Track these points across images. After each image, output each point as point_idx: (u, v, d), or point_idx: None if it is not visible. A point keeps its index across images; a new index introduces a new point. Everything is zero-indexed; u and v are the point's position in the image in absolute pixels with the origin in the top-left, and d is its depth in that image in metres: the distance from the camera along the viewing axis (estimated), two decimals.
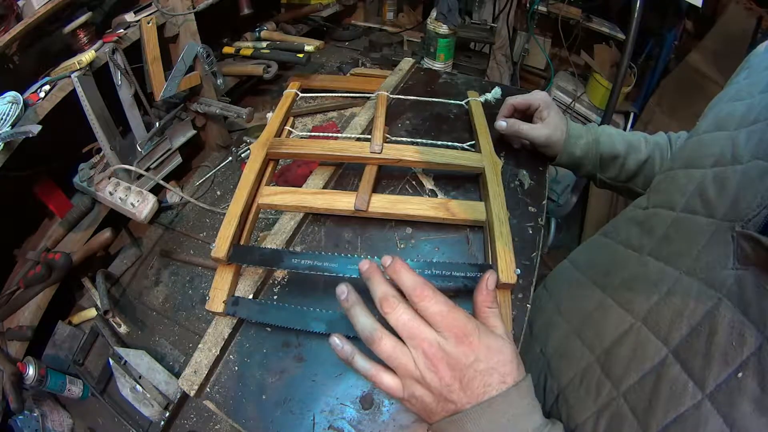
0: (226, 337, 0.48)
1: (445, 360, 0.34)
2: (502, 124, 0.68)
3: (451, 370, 0.34)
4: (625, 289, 0.46)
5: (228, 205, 0.54)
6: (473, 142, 0.69)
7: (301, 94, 0.77)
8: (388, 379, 0.37)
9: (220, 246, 0.50)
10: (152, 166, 1.09)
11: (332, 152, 0.62)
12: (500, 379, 0.35)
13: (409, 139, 0.70)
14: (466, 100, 0.78)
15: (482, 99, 0.77)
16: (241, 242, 0.54)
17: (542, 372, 0.52)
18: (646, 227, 0.48)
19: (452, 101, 0.78)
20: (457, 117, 0.79)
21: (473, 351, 0.35)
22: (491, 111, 0.74)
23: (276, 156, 0.64)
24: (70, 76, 0.84)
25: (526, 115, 0.71)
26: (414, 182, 0.65)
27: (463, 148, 0.67)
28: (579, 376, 0.45)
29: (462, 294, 0.51)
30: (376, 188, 0.61)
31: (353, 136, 0.69)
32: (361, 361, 0.37)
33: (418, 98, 0.79)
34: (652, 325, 0.40)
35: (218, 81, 1.17)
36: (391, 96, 0.80)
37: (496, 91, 0.76)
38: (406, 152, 0.61)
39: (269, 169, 0.63)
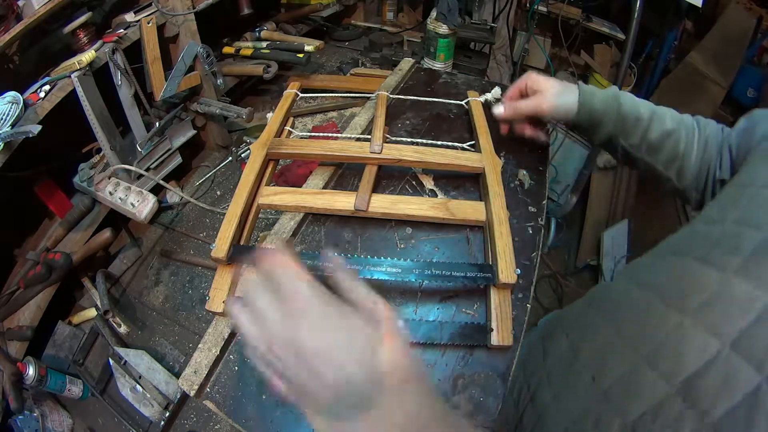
0: (226, 337, 0.48)
1: None
2: (499, 108, 0.67)
3: None
4: (708, 312, 0.42)
5: (228, 205, 0.54)
6: (473, 142, 0.69)
7: (301, 94, 0.77)
8: None
9: (220, 246, 0.50)
10: (152, 166, 1.09)
11: (332, 152, 0.62)
12: None
13: (409, 139, 0.70)
14: (466, 100, 0.78)
15: (482, 99, 0.77)
16: (241, 242, 0.54)
17: (594, 405, 0.47)
18: (729, 245, 0.44)
19: (452, 101, 0.78)
20: (457, 117, 0.79)
21: None
22: (491, 111, 0.74)
23: (276, 156, 0.64)
24: (70, 76, 0.84)
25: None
26: (414, 182, 0.65)
27: (463, 148, 0.67)
28: (653, 411, 0.41)
29: (461, 294, 0.51)
30: (376, 188, 0.61)
31: (353, 136, 0.69)
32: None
33: (418, 98, 0.79)
34: (744, 350, 0.37)
35: (218, 81, 1.17)
36: (391, 96, 0.80)
37: (496, 91, 0.76)
38: (406, 152, 0.61)
39: (269, 169, 0.63)
